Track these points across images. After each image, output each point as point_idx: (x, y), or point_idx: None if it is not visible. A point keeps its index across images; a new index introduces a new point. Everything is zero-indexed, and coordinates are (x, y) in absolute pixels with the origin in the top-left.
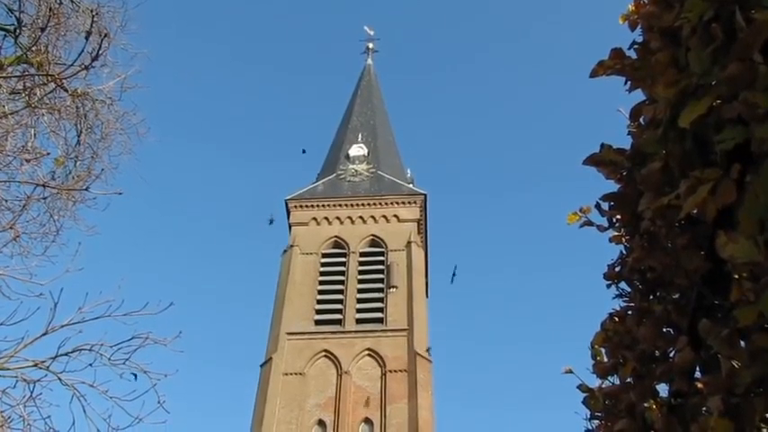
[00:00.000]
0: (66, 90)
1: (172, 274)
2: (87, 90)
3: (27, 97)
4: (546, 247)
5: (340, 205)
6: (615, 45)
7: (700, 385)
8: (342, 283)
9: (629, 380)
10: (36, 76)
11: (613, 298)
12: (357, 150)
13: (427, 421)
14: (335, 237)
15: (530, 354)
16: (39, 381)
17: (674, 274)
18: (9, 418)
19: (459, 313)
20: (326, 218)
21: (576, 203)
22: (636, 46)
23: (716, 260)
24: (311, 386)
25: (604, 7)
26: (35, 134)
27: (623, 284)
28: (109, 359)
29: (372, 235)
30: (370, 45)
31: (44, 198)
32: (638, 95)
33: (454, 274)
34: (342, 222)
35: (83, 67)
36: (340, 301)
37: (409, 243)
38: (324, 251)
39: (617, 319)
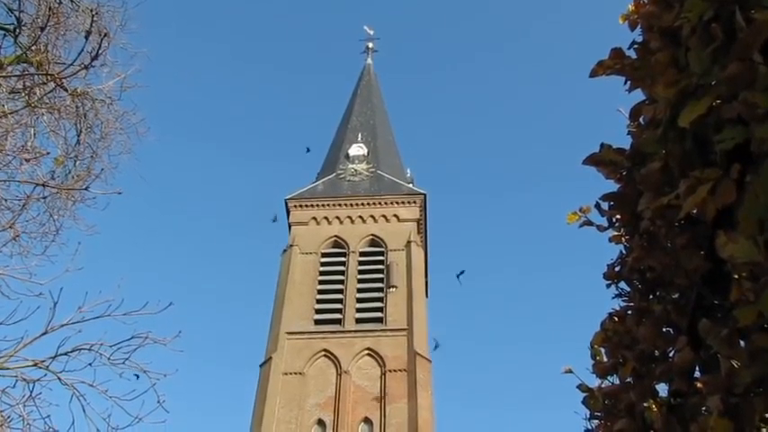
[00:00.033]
0: (65, 89)
1: (171, 274)
2: (87, 89)
3: (27, 97)
4: (546, 246)
5: (340, 205)
6: (615, 45)
7: (699, 385)
8: (341, 282)
9: (628, 380)
10: (36, 76)
11: (613, 298)
12: (357, 150)
13: (427, 421)
14: (335, 236)
15: (529, 353)
16: (38, 380)
17: (674, 273)
18: (9, 417)
19: (458, 313)
20: (326, 217)
21: (575, 203)
22: (636, 46)
23: (715, 260)
24: (311, 386)
25: (604, 7)
26: (35, 133)
27: (623, 284)
28: (108, 359)
29: (372, 235)
30: (370, 45)
31: (44, 197)
32: (638, 95)
33: (461, 273)
34: (341, 222)
35: (82, 66)
36: (340, 301)
37: (409, 243)
38: (323, 251)
39: (617, 318)
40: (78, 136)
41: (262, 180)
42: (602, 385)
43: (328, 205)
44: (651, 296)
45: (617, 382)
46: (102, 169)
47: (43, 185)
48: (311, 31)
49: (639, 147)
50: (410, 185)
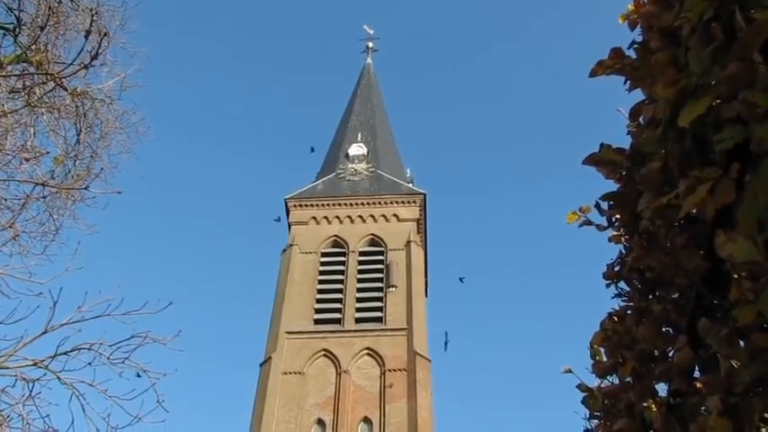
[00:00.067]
0: (65, 89)
1: (171, 274)
2: (87, 89)
3: (26, 96)
4: (545, 246)
5: (339, 204)
6: (615, 45)
7: (699, 385)
8: (341, 282)
9: (628, 379)
10: (35, 75)
11: (612, 297)
12: (357, 150)
13: (426, 420)
14: (335, 236)
15: (529, 353)
16: (38, 380)
17: (674, 273)
18: (8, 416)
19: (458, 313)
20: (326, 217)
21: (575, 203)
22: (635, 45)
23: (715, 260)
24: (310, 385)
25: (604, 7)
26: (34, 133)
27: (622, 284)
28: (108, 358)
29: (372, 234)
30: (370, 44)
31: (43, 197)
32: (638, 95)
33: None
34: (341, 222)
35: (82, 65)
36: (339, 301)
37: (409, 242)
38: (323, 250)
39: (616, 318)
40: (78, 135)
41: (261, 180)
42: (602, 385)
43: (328, 205)
44: (651, 296)
45: (616, 381)
46: (102, 169)
47: (43, 185)
48: (311, 30)
49: (639, 146)
50: (410, 185)
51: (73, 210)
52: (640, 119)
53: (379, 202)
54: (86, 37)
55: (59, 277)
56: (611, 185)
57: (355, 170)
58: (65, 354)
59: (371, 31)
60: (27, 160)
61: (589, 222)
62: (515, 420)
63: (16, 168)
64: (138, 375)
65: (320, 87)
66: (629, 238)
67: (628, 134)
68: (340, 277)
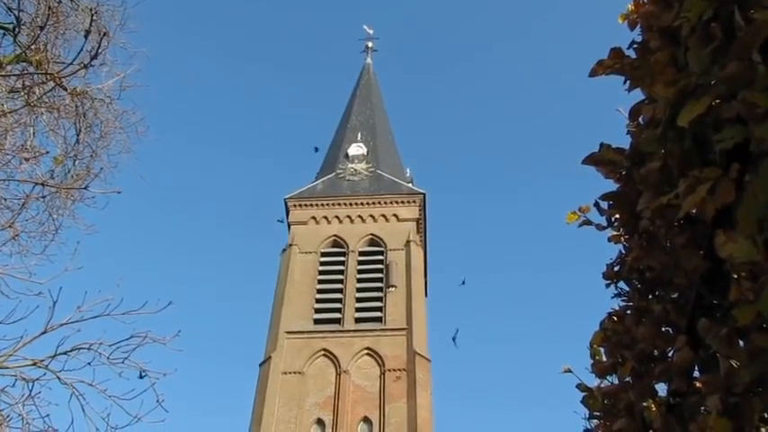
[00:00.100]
0: (65, 89)
1: (171, 273)
2: (86, 89)
3: (26, 96)
4: (545, 246)
5: (339, 204)
6: (614, 44)
7: (698, 384)
8: (341, 282)
9: (627, 379)
10: (35, 75)
11: (612, 297)
12: (356, 149)
13: (426, 420)
14: (334, 236)
15: (529, 353)
16: (37, 379)
17: (673, 273)
18: (8, 416)
19: (458, 312)
20: (326, 217)
21: (574, 203)
22: (635, 45)
23: (715, 259)
24: (310, 385)
25: (604, 7)
26: (34, 133)
27: (622, 284)
28: (108, 358)
29: (371, 234)
30: (370, 44)
31: (43, 197)
32: (638, 95)
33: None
34: (341, 221)
35: (82, 65)
36: (339, 300)
37: (408, 242)
38: (323, 250)
39: (616, 318)
40: (78, 135)
41: (261, 179)
42: (602, 385)
43: (328, 205)
44: (650, 296)
45: (616, 381)
46: (102, 168)
47: (42, 185)
48: (311, 30)
49: (639, 146)
50: (409, 185)
51: (72, 209)
52: (640, 119)
53: (379, 202)
54: (86, 37)
55: (59, 277)
56: (611, 185)
57: (355, 170)
58: (64, 353)
59: (371, 31)
60: (27, 160)
61: (589, 222)
62: (515, 420)
63: (16, 168)
64: (141, 377)
65: (320, 87)
66: (629, 237)
67: (627, 134)
68: (340, 277)
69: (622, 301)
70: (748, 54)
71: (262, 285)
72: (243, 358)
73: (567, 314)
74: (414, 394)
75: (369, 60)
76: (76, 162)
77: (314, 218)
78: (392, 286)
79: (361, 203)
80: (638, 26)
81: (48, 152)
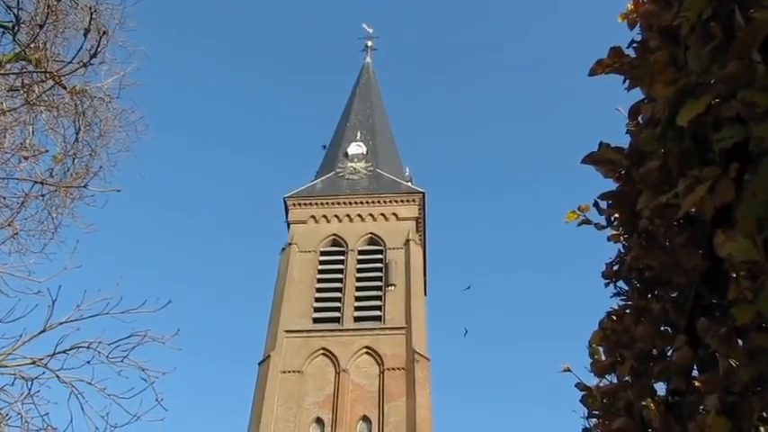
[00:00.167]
0: (64, 87)
1: (170, 272)
2: (86, 87)
3: (25, 94)
4: (544, 245)
5: (339, 203)
6: (614, 44)
7: (697, 384)
8: (340, 281)
9: (626, 378)
10: (34, 74)
11: (611, 297)
12: (356, 148)
13: (425, 419)
14: (334, 235)
15: (528, 352)
16: (37, 378)
17: (673, 272)
18: (7, 415)
19: (457, 311)
20: (325, 216)
21: (574, 202)
22: (635, 44)
23: (714, 259)
24: (309, 384)
25: (603, 6)
26: (33, 131)
27: (621, 283)
28: (107, 357)
29: (371, 233)
30: (369, 43)
31: (42, 195)
32: (637, 94)
33: (468, 288)
34: (340, 220)
35: (81, 64)
36: (338, 299)
37: (408, 241)
38: (322, 249)
39: (615, 317)
40: (77, 134)
41: (260, 178)
42: (601, 384)
43: (327, 204)
44: (650, 295)
45: (615, 380)
46: (101, 167)
47: (42, 183)
48: (310, 29)
49: (638, 145)
50: (409, 184)
51: (72, 208)
52: (639, 118)
53: (378, 201)
54: (85, 35)
55: (58, 275)
56: (610, 184)
57: (354, 169)
58: (63, 352)
59: (371, 30)
60: (26, 158)
61: (588, 221)
62: (514, 419)
63: (15, 167)
64: (144, 379)
65: (319, 86)
66: (628, 237)
67: (627, 133)
68: (339, 276)
69: (621, 300)
70: (748, 53)
71: (261, 284)
72: (242, 357)
73: (566, 313)
74: (413, 393)
75: (368, 59)
76: (76, 160)
77: (313, 217)
78: (391, 285)
79: (361, 202)
80: (638, 25)
81: (47, 151)
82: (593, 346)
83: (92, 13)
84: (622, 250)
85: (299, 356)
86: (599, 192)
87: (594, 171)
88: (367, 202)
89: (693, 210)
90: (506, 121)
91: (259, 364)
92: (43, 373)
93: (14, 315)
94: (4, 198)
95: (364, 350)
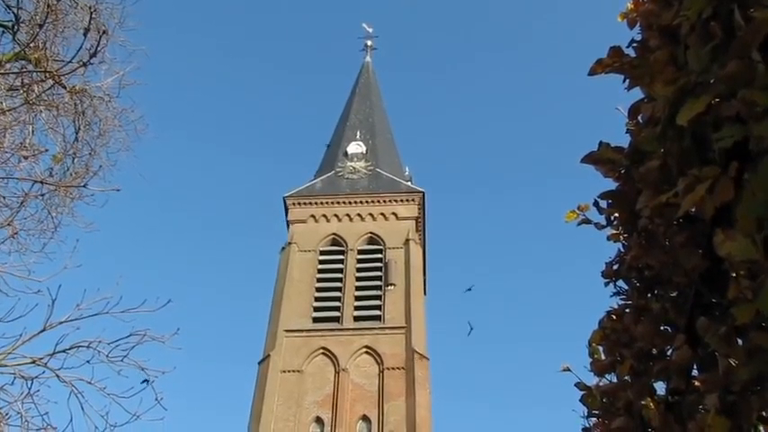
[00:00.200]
0: (64, 87)
1: (170, 272)
2: (85, 87)
3: (25, 94)
4: (544, 244)
5: (338, 203)
6: (614, 43)
7: (697, 383)
8: (340, 280)
9: (626, 378)
10: (34, 73)
11: (611, 296)
12: (355, 148)
13: (425, 419)
14: (334, 234)
15: (527, 351)
16: (36, 377)
17: (672, 272)
18: (7, 414)
19: (457, 311)
20: (325, 215)
21: (574, 201)
22: (635, 44)
23: (714, 258)
24: (309, 383)
25: (603, 5)
26: (33, 131)
27: (621, 282)
28: (107, 356)
29: (370, 232)
30: (369, 42)
31: (42, 195)
32: (637, 93)
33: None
34: (340, 220)
35: (81, 63)
36: (338, 299)
37: (407, 241)
38: (322, 248)
39: (615, 317)
40: (77, 133)
41: (260, 178)
42: (600, 383)
43: (327, 203)
44: (649, 294)
45: (615, 380)
46: (101, 166)
47: (41, 182)
48: (310, 28)
49: (638, 145)
50: (408, 183)
51: (71, 207)
52: (639, 117)
53: (378, 201)
54: (85, 34)
55: (58, 275)
56: (610, 184)
57: (354, 168)
58: (63, 351)
59: (370, 30)
60: (25, 158)
61: (588, 221)
62: (514, 418)
63: (15, 166)
64: (147, 381)
65: (319, 85)
66: (628, 236)
67: (627, 132)
68: (339, 275)
69: (621, 299)
70: (748, 53)
71: (261, 284)
72: (242, 356)
73: (566, 313)
74: (412, 393)
75: (368, 59)
76: (75, 160)
77: (313, 216)
78: (391, 285)
79: (361, 202)
80: (638, 25)
81: (47, 150)
82: (593, 345)
83: (91, 13)
84: (622, 249)
85: (298, 356)
86: (599, 191)
87: (594, 170)
88: (367, 202)
89: (693, 209)
90: (506, 121)
91: (259, 363)
92: (43, 372)
93: (14, 314)
94: (4, 197)
95: (364, 349)
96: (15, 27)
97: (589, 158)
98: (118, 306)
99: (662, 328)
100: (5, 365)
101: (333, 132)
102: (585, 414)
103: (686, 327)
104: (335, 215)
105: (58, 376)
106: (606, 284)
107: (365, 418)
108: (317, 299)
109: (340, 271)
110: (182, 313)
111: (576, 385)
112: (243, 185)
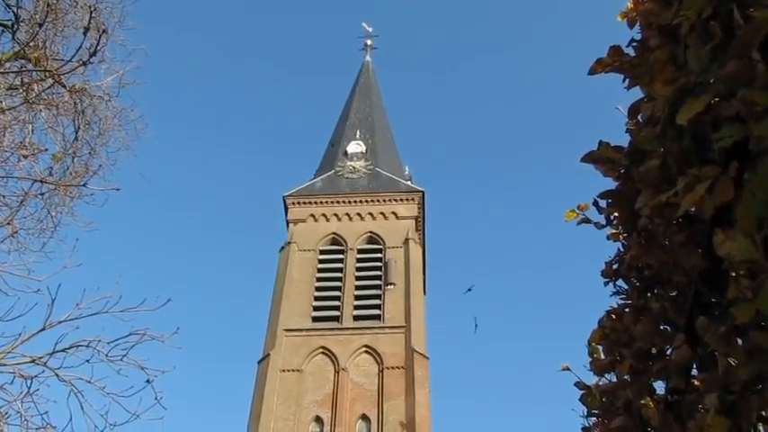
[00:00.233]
0: (63, 86)
1: (169, 271)
2: (85, 86)
3: (25, 93)
4: (544, 244)
5: (338, 202)
6: (614, 43)
7: (696, 382)
8: (339, 279)
9: (626, 377)
10: (34, 72)
11: (611, 295)
12: (355, 147)
13: (424, 418)
14: (333, 233)
15: (527, 351)
16: (36, 377)
17: (672, 271)
18: (6, 414)
19: (456, 311)
20: (324, 214)
21: (574, 201)
22: (634, 43)
23: (713, 258)
24: (309, 383)
25: (603, 5)
26: (33, 130)
27: (621, 282)
28: (106, 355)
29: (370, 232)
30: (369, 42)
31: (42, 194)
32: (637, 93)
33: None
34: (340, 219)
35: (81, 62)
36: (338, 298)
37: (407, 240)
38: (322, 248)
39: (614, 316)
40: (76, 132)
41: (260, 177)
42: (600, 383)
43: (326, 202)
44: (649, 294)
45: (614, 379)
46: (101, 166)
47: (41, 182)
48: (310, 28)
49: (638, 144)
50: (408, 183)
51: (71, 207)
52: (639, 117)
53: (378, 200)
54: (85, 34)
55: (58, 274)
56: (610, 183)
57: (354, 167)
58: (63, 351)
59: (370, 29)
60: (25, 157)
61: (587, 220)
62: (513, 418)
63: (14, 165)
64: (148, 381)
65: (319, 85)
66: (628, 236)
67: (626, 132)
68: (338, 275)
69: (621, 299)
70: (747, 52)
71: (260, 283)
72: (241, 356)
73: (566, 312)
74: (412, 392)
75: (368, 58)
76: (75, 159)
77: (312, 215)
78: (391, 284)
79: (360, 201)
80: (638, 24)
81: (46, 149)
82: (593, 344)
83: (91, 12)
84: (622, 249)
85: (298, 355)
86: (598, 191)
87: (594, 170)
88: (366, 201)
89: (693, 209)
90: (506, 120)
91: (258, 362)
92: (42, 371)
93: (14, 313)
94: (4, 197)
95: (363, 349)
96: (15, 26)
97: (589, 158)
98: (117, 305)
99: (661, 327)
100: (5, 364)
101: (333, 132)
102: (585, 413)
103: (686, 326)
104: (335, 214)
105: (57, 375)
106: (606, 284)
107: (365, 418)
108: (316, 298)
109: (340, 270)
110: (181, 313)
111: (575, 384)
112: (243, 185)
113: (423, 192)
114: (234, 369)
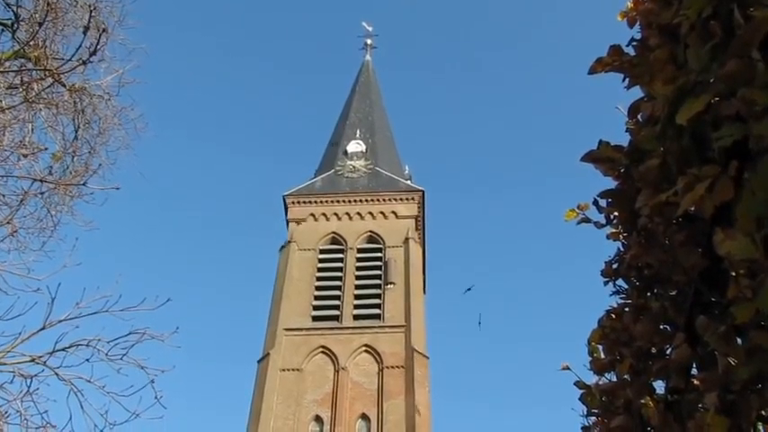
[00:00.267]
0: (63, 85)
1: (169, 270)
2: (85, 85)
3: (24, 92)
4: (544, 243)
5: (338, 201)
6: (614, 42)
7: (696, 382)
8: (339, 279)
9: (625, 377)
10: (33, 71)
11: (611, 295)
12: (355, 146)
13: (424, 417)
14: (333, 233)
15: (527, 350)
16: (36, 376)
17: (672, 271)
18: (6, 413)
19: (456, 310)
20: (324, 214)
21: (573, 200)
22: (634, 43)
23: (713, 257)
24: (308, 382)
25: (603, 5)
26: (32, 129)
27: (621, 281)
28: (106, 354)
29: (370, 231)
30: (369, 41)
31: (41, 193)
32: (637, 92)
33: (469, 289)
34: (339, 218)
35: (80, 62)
36: (337, 297)
37: (407, 239)
38: (321, 247)
39: (614, 315)
40: (76, 131)
41: (260, 176)
42: (600, 382)
43: (326, 202)
44: (649, 293)
45: (614, 379)
46: (100, 165)
47: (41, 181)
48: (310, 27)
49: (638, 144)
50: (408, 182)
51: (71, 206)
52: (639, 116)
53: (378, 199)
54: (85, 33)
55: (57, 273)
56: (610, 183)
57: (354, 167)
58: (63, 350)
59: (370, 28)
60: (25, 156)
61: (587, 220)
62: (513, 417)
63: (14, 164)
64: (152, 382)
65: (319, 84)
66: (628, 235)
67: (626, 131)
68: (338, 274)
69: (621, 298)
70: (747, 52)
71: (260, 282)
72: (241, 355)
73: (566, 312)
74: (412, 391)
75: (368, 57)
76: (75, 158)
77: (312, 215)
78: (391, 283)
79: (360, 200)
80: (638, 24)
81: (46, 148)
82: (593, 344)
83: (91, 11)
84: (622, 248)
85: (298, 354)
86: (598, 190)
87: (594, 169)
88: (366, 201)
89: (693, 208)
90: (506, 120)
91: (258, 361)
92: (42, 370)
93: (14, 313)
94: (4, 196)
95: (363, 348)
96: (15, 25)
97: (589, 157)
98: (117, 304)
99: (661, 326)
100: (5, 364)
101: (333, 131)
102: (585, 413)
103: (686, 325)
104: (335, 214)
105: (57, 375)
106: (606, 283)
107: (364, 417)
108: (316, 297)
109: (339, 269)
110: (181, 312)
111: (575, 384)
112: (242, 184)
113: (422, 191)
114: (234, 368)
